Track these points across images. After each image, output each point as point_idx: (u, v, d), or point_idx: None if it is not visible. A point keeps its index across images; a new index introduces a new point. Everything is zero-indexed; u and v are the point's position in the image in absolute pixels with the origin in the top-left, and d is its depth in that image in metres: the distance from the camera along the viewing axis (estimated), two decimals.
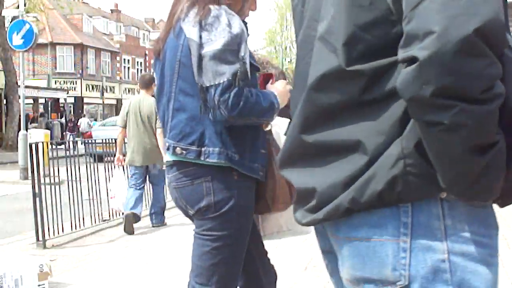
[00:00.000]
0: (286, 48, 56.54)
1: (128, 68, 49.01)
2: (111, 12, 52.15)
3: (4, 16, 18.65)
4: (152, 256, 5.92)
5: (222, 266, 2.37)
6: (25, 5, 16.23)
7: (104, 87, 44.45)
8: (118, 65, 47.46)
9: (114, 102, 46.16)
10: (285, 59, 54.44)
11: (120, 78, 47.35)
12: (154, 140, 7.26)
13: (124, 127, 7.46)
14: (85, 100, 43.05)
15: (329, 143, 1.22)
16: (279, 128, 2.54)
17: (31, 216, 6.39)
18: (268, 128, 2.49)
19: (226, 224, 2.33)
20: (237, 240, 2.38)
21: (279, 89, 2.41)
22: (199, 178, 2.31)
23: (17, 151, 15.99)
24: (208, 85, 2.19)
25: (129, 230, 7.11)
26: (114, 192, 7.48)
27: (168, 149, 2.36)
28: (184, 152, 2.29)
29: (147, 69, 51.08)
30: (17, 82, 22.12)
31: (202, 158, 2.27)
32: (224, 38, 2.18)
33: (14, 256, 5.04)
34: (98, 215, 7.57)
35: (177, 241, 6.69)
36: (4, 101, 27.43)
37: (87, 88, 43.28)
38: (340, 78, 1.19)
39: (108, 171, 8.04)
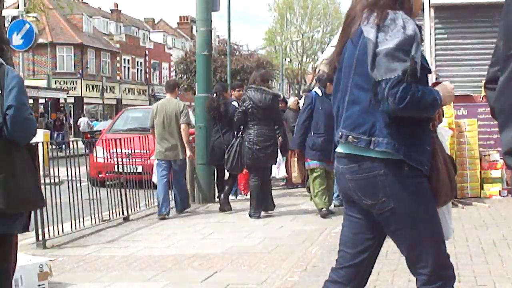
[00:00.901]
0: (286, 48, 56.46)
1: (128, 68, 48.94)
2: (111, 12, 52.06)
3: (4, 16, 18.65)
4: (151, 256, 5.92)
5: (429, 246, 2.56)
6: (25, 5, 16.22)
7: (104, 87, 44.42)
8: (118, 65, 47.39)
9: (114, 102, 46.13)
10: (285, 59, 54.37)
11: (120, 78, 47.29)
12: (177, 137, 8.32)
13: (153, 127, 8.49)
14: (85, 100, 43.02)
15: None
16: (442, 136, 2.72)
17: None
18: (435, 129, 2.67)
19: (410, 212, 2.52)
20: (429, 220, 2.55)
21: (446, 89, 2.60)
22: (373, 171, 2.51)
23: None
24: (380, 79, 2.40)
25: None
26: (154, 169, 8.59)
27: (341, 137, 2.57)
28: (355, 140, 2.52)
29: (147, 69, 51.05)
30: None
31: (371, 147, 2.48)
32: (398, 38, 2.41)
33: None
34: (98, 215, 7.57)
35: (177, 242, 6.69)
36: None
37: (87, 88, 43.25)
38: None
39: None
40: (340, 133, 2.58)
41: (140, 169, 8.85)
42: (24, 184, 3.19)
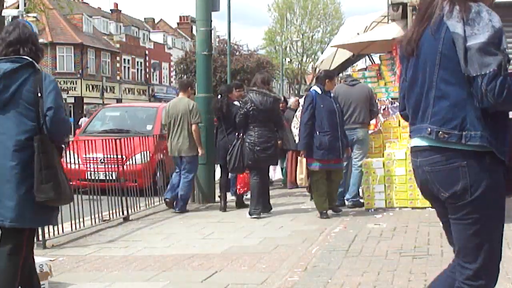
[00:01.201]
0: (286, 48, 56.46)
1: (128, 68, 48.92)
2: (111, 12, 52.04)
3: (4, 16, 18.66)
4: (151, 256, 5.92)
5: (485, 244, 2.55)
6: (25, 5, 16.22)
7: (104, 87, 44.41)
8: (118, 65, 47.37)
9: (114, 102, 46.12)
10: (285, 59, 54.35)
11: (120, 78, 47.28)
12: (186, 135, 8.65)
13: (166, 124, 8.97)
14: (85, 100, 42.98)
15: None
16: None
17: None
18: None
19: (483, 206, 2.51)
20: (495, 219, 2.56)
21: None
22: (454, 163, 2.51)
23: None
24: (474, 75, 2.40)
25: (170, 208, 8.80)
26: None
27: (430, 134, 2.55)
28: (446, 136, 2.51)
29: (147, 69, 51.03)
30: None
31: (463, 142, 2.48)
32: (488, 32, 2.40)
33: None
34: (98, 215, 7.57)
35: (177, 242, 6.69)
36: None
37: (87, 88, 43.24)
38: None
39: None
40: (429, 129, 2.55)
41: (114, 176, 8.23)
42: (65, 179, 3.64)
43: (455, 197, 2.53)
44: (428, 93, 2.57)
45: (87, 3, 51.75)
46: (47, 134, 3.52)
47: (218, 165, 9.45)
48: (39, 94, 3.49)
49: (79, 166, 7.54)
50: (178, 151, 8.73)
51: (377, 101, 9.32)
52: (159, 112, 11.80)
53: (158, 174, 10.20)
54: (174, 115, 8.76)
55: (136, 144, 8.94)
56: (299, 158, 8.05)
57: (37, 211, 3.54)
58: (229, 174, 9.10)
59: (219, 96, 9.08)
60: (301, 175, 7.84)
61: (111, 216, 7.87)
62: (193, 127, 8.69)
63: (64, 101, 36.07)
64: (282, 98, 12.58)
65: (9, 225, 3.51)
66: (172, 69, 49.02)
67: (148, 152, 9.46)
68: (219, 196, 9.09)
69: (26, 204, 3.48)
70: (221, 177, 9.22)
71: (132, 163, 8.83)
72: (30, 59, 3.59)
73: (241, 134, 8.27)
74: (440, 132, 2.52)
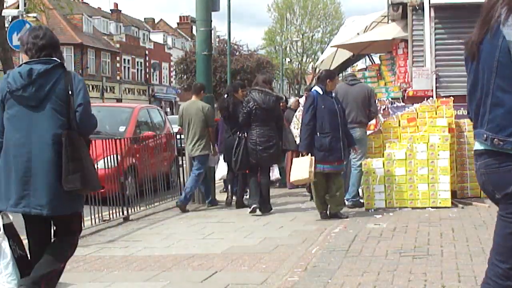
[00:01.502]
0: (286, 48, 56.45)
1: (128, 68, 48.91)
2: (111, 12, 52.02)
3: (4, 16, 18.65)
4: (151, 256, 5.92)
5: None
6: (25, 5, 16.19)
7: (104, 87, 44.41)
8: (118, 65, 47.37)
9: (114, 102, 46.13)
10: (285, 59, 54.36)
11: (120, 78, 47.27)
12: (198, 136, 9.03)
13: (181, 125, 9.49)
14: None
15: None
16: None
17: None
18: None
19: None
20: None
21: None
22: (508, 166, 2.55)
23: None
24: None
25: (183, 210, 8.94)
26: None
27: (486, 140, 2.60)
28: (501, 143, 2.54)
29: (147, 69, 51.03)
30: None
31: None
32: None
33: None
34: (98, 215, 7.57)
35: (177, 242, 6.69)
36: None
37: (87, 88, 43.27)
38: None
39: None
40: (485, 136, 2.60)
41: None
42: (92, 170, 3.95)
43: (506, 198, 2.58)
44: (486, 100, 2.60)
45: (87, 3, 51.73)
46: (77, 128, 3.84)
47: (224, 162, 9.55)
48: (70, 92, 3.84)
49: None
50: (192, 152, 9.11)
51: (377, 101, 9.30)
52: (134, 113, 11.37)
53: (128, 180, 9.27)
54: (187, 118, 9.14)
55: (102, 147, 7.94)
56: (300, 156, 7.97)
57: (72, 199, 3.89)
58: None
59: (226, 96, 9.19)
60: (310, 168, 7.61)
61: (111, 216, 7.87)
62: (210, 129, 9.14)
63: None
64: (284, 98, 12.63)
65: (47, 214, 3.83)
66: (172, 69, 49.00)
67: (116, 156, 8.33)
68: (220, 191, 9.18)
69: (63, 193, 3.80)
70: (228, 173, 9.40)
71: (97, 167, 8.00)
72: (59, 61, 3.94)
73: (244, 134, 8.29)
74: (496, 140, 2.56)
